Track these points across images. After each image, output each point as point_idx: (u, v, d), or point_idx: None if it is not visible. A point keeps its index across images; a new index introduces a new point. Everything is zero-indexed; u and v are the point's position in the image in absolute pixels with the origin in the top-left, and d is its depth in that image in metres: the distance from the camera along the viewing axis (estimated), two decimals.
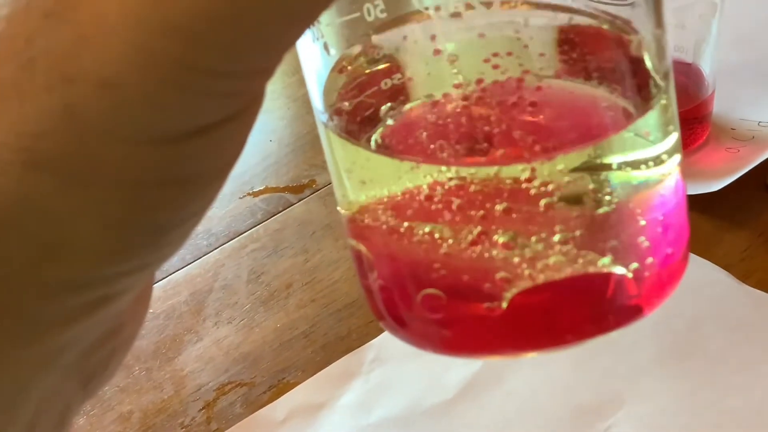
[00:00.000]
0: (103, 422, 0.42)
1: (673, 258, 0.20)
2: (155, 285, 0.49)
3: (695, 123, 0.51)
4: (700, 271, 0.43)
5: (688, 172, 0.52)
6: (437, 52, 0.20)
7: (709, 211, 0.47)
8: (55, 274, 0.13)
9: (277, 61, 0.14)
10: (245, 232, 0.53)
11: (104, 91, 0.12)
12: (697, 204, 0.47)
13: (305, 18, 0.14)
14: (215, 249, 0.52)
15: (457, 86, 0.19)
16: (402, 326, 0.21)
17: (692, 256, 0.44)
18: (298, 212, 0.53)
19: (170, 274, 0.50)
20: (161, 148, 0.13)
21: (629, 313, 0.20)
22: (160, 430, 0.42)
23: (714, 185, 0.47)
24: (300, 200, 0.54)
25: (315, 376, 0.42)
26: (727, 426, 0.37)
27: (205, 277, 0.50)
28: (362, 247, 0.21)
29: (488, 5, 0.19)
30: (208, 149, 0.14)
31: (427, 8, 0.19)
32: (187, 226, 0.15)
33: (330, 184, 0.55)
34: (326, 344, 0.44)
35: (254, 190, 0.56)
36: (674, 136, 0.20)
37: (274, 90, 0.65)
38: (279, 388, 0.43)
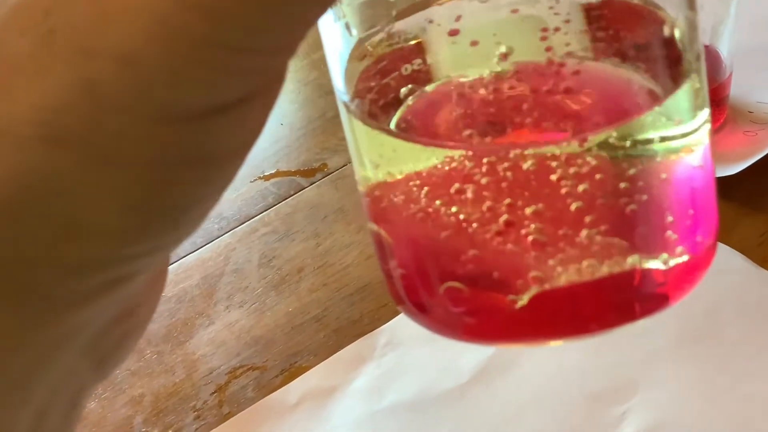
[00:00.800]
0: (114, 405, 0.42)
1: (703, 245, 0.20)
2: None
3: (712, 106, 0.50)
4: (717, 255, 0.43)
5: None
6: (460, 33, 0.20)
7: (726, 195, 0.46)
8: (74, 254, 0.13)
9: (300, 38, 0.14)
10: (256, 216, 0.52)
11: (126, 67, 0.12)
12: None
13: None
14: (226, 233, 0.51)
15: (482, 68, 0.19)
16: (423, 312, 0.20)
17: None
18: (310, 196, 0.53)
19: (181, 258, 0.50)
20: (183, 126, 0.13)
21: (656, 301, 0.20)
22: (172, 413, 0.42)
23: (731, 169, 0.46)
24: (311, 184, 0.54)
25: (327, 360, 0.42)
26: (743, 412, 0.36)
27: (217, 261, 0.50)
28: (383, 232, 0.20)
29: None
30: (229, 127, 0.14)
31: None
32: (206, 206, 0.15)
33: (342, 167, 0.54)
34: (338, 328, 0.44)
35: (265, 174, 0.55)
36: (706, 121, 0.20)
37: None
38: (291, 372, 0.42)
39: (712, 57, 0.50)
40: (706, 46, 0.50)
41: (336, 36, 0.20)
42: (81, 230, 0.13)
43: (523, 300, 0.18)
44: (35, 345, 0.14)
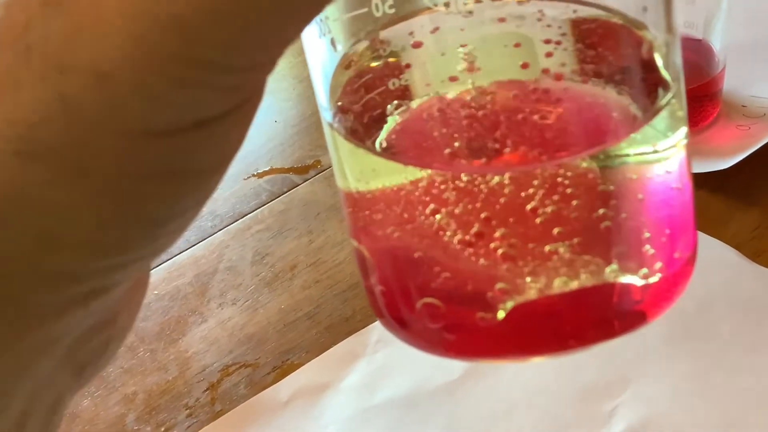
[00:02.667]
0: (107, 403, 0.42)
1: (680, 261, 0.20)
2: (160, 266, 0.49)
3: (705, 100, 0.50)
4: (709, 250, 0.43)
5: (698, 149, 0.51)
6: (443, 49, 0.20)
7: (719, 189, 0.46)
8: (50, 266, 0.13)
9: (278, 55, 0.14)
10: (250, 213, 0.52)
11: (99, 83, 0.12)
12: (707, 182, 0.47)
13: (308, 12, 0.13)
14: (220, 230, 0.51)
15: (462, 87, 0.19)
16: (402, 327, 0.20)
17: (702, 236, 0.43)
18: (303, 193, 0.53)
19: (175, 256, 0.50)
20: (158, 141, 0.13)
21: (634, 318, 0.19)
22: (165, 411, 0.42)
23: (724, 163, 0.46)
24: (305, 181, 0.54)
25: (319, 357, 0.42)
26: (735, 407, 0.36)
27: (210, 258, 0.50)
28: (364, 249, 0.20)
29: None
30: (206, 142, 0.14)
31: (435, 4, 0.18)
32: (185, 218, 0.15)
33: None
34: (330, 325, 0.44)
35: (259, 171, 0.55)
36: (683, 140, 0.20)
37: (280, 71, 0.64)
38: (283, 369, 0.42)
39: (705, 51, 0.50)
40: (699, 41, 0.50)
41: (321, 52, 0.20)
42: (56, 242, 0.13)
43: (500, 317, 0.18)
44: (13, 354, 0.14)
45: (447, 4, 0.18)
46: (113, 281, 0.15)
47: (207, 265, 0.49)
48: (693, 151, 0.55)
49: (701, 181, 0.47)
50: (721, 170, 0.46)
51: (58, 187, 0.13)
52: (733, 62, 0.50)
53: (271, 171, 0.55)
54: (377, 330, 0.42)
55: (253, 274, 0.48)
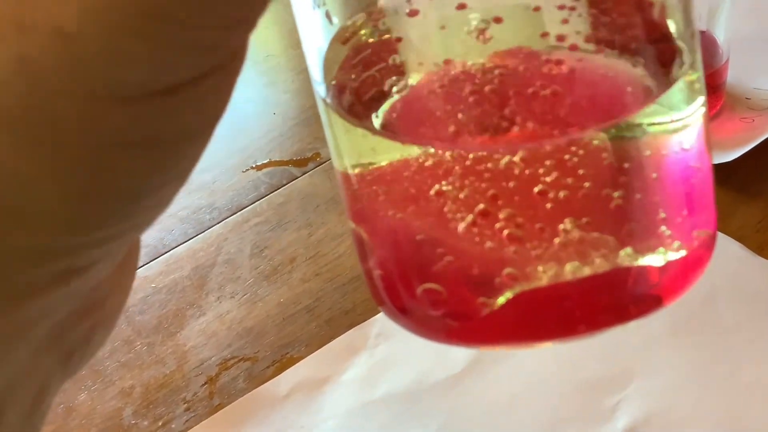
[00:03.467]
0: (104, 397, 0.42)
1: (699, 241, 0.19)
2: (157, 259, 0.49)
3: (709, 92, 0.49)
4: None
5: None
6: (444, 18, 0.19)
7: (723, 182, 0.46)
8: (19, 241, 0.12)
9: (259, 11, 0.13)
10: (248, 206, 0.52)
11: (61, 42, 0.11)
12: None
13: None
14: (218, 223, 0.51)
15: (465, 58, 0.18)
16: (404, 314, 0.19)
17: None
18: (302, 185, 0.52)
19: (172, 249, 0.49)
20: (127, 107, 0.12)
21: (649, 303, 0.19)
22: (162, 405, 0.41)
23: (728, 156, 0.46)
24: (304, 173, 0.53)
25: (319, 350, 0.42)
26: (739, 400, 0.36)
27: (208, 251, 0.49)
28: (362, 231, 0.19)
29: None
30: (181, 109, 0.13)
31: None
32: (166, 191, 0.14)
33: None
34: (330, 319, 0.44)
35: (258, 164, 0.55)
36: (701, 111, 0.19)
37: (279, 63, 0.64)
38: (282, 363, 0.42)
39: (709, 43, 0.49)
40: (703, 32, 0.49)
41: (314, 24, 0.19)
42: (23, 216, 0.12)
43: (504, 301, 0.17)
44: None
45: None
46: (90, 259, 0.14)
47: (205, 258, 0.49)
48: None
49: None
50: (724, 163, 0.45)
51: (20, 156, 0.12)
52: (736, 54, 0.50)
53: (270, 163, 0.54)
54: (377, 323, 0.42)
55: (252, 267, 0.48)
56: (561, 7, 0.18)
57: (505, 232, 0.17)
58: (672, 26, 0.18)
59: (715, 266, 0.43)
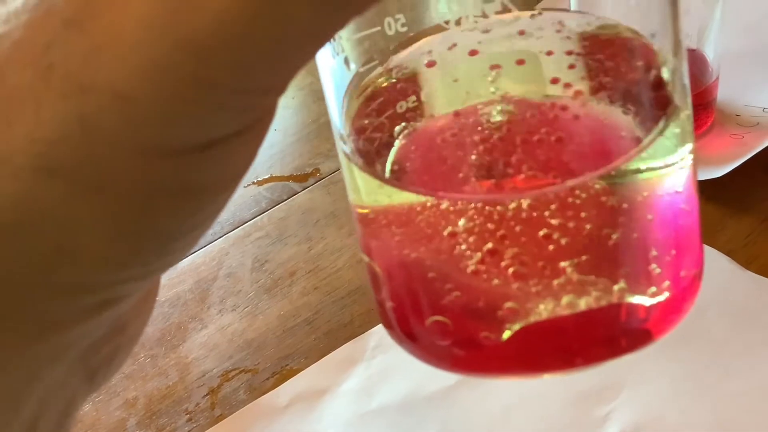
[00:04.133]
0: (108, 408, 0.43)
1: (686, 280, 0.20)
2: None
3: (700, 109, 0.51)
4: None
5: None
6: (452, 69, 0.19)
7: (713, 197, 0.47)
8: (65, 277, 0.14)
9: (290, 78, 0.14)
10: (250, 220, 0.53)
11: (118, 103, 0.13)
12: (701, 190, 0.47)
13: (319, 39, 0.14)
14: (220, 237, 0.52)
15: (474, 105, 0.19)
16: (412, 341, 0.20)
17: None
18: (302, 201, 0.54)
19: None
20: (172, 159, 0.13)
21: (641, 337, 0.20)
22: (165, 416, 0.42)
23: (718, 171, 0.47)
24: (304, 189, 0.54)
25: (318, 362, 0.43)
26: (726, 411, 0.37)
27: (210, 265, 0.50)
28: (376, 266, 0.21)
29: (505, 13, 0.19)
30: (218, 161, 0.14)
31: (447, 22, 0.18)
32: (195, 233, 0.15)
33: (334, 172, 0.55)
34: (329, 331, 0.45)
35: (259, 179, 0.56)
36: (690, 157, 0.20)
37: None
38: (282, 374, 0.43)
39: (699, 61, 0.51)
40: (693, 50, 0.50)
41: (334, 71, 0.20)
42: (72, 255, 0.14)
43: (506, 336, 0.18)
44: (28, 360, 0.15)
45: (458, 22, 0.18)
46: (126, 292, 0.15)
47: (207, 272, 0.50)
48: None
49: None
50: (714, 178, 0.46)
51: (75, 202, 0.13)
52: (726, 72, 0.51)
53: (271, 179, 0.56)
54: (375, 335, 0.43)
55: (253, 280, 0.49)
56: (567, 54, 0.19)
57: (508, 270, 0.18)
58: (665, 76, 0.19)
59: (704, 280, 0.44)
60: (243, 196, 0.55)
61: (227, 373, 0.44)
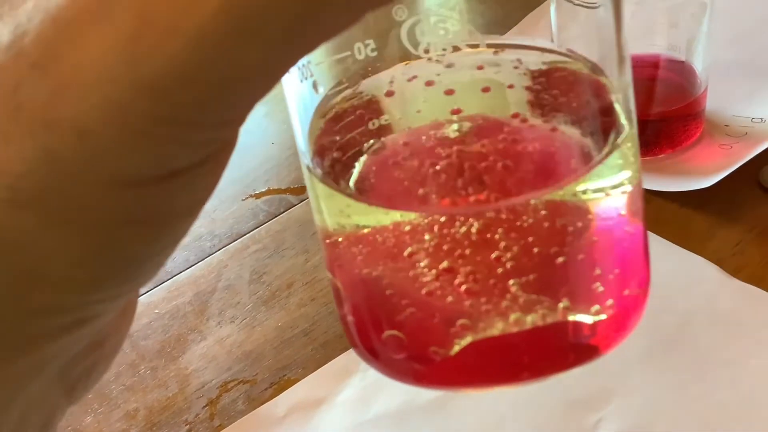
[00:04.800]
0: (109, 420, 0.44)
1: (629, 300, 0.21)
2: (160, 286, 0.51)
3: (689, 120, 0.52)
4: (690, 266, 0.44)
5: (681, 168, 0.53)
6: (414, 95, 0.20)
7: (702, 207, 0.48)
8: (36, 299, 0.15)
9: (248, 111, 0.15)
10: (248, 233, 0.54)
11: (80, 139, 0.13)
12: (690, 200, 0.48)
13: (272, 76, 0.14)
14: (219, 250, 0.53)
15: (431, 130, 0.20)
16: (373, 357, 0.21)
17: (683, 252, 0.45)
18: (299, 213, 0.54)
19: (175, 276, 0.51)
20: (134, 190, 0.14)
21: (586, 352, 0.20)
22: (165, 427, 0.43)
23: (707, 181, 0.48)
24: (301, 201, 0.55)
25: (315, 373, 0.43)
26: (715, 419, 0.37)
27: (209, 278, 0.51)
28: (338, 282, 0.21)
29: (474, 47, 0.20)
30: (179, 191, 0.15)
31: (416, 47, 0.19)
32: (160, 258, 0.16)
33: None
34: (326, 342, 0.45)
35: (256, 192, 0.57)
36: (635, 181, 0.21)
37: (276, 94, 0.66)
38: (280, 384, 0.44)
39: (688, 72, 0.52)
40: (682, 62, 0.51)
41: (302, 94, 0.20)
42: (42, 279, 0.14)
43: (454, 351, 0.19)
44: (7, 378, 0.15)
45: (427, 51, 0.19)
46: (97, 312, 0.16)
47: (206, 285, 0.51)
48: (677, 170, 0.56)
49: (684, 198, 0.48)
50: (704, 188, 0.47)
51: (43, 231, 0.14)
52: (715, 83, 0.52)
53: (268, 192, 0.57)
54: None
55: (251, 292, 0.49)
56: (511, 87, 0.20)
57: (457, 287, 0.19)
58: (611, 103, 0.20)
59: (692, 289, 0.45)
60: (241, 209, 0.56)
61: (226, 384, 0.44)
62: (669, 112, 0.51)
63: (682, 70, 0.52)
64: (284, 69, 0.14)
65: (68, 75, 0.13)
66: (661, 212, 0.48)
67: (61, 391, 0.17)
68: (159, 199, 0.15)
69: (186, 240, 0.55)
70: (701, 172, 0.49)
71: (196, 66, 0.13)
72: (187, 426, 0.43)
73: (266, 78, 0.14)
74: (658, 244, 0.46)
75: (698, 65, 0.51)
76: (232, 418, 0.42)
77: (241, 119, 0.15)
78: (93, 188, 0.14)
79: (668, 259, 0.44)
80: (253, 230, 0.54)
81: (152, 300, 0.50)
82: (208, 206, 0.59)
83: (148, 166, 0.14)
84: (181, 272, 0.52)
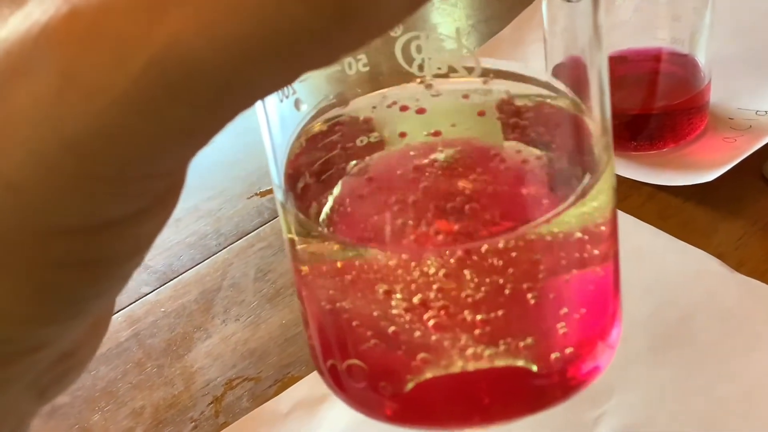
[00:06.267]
0: (116, 417, 0.44)
1: (597, 342, 0.20)
2: (166, 285, 0.51)
3: (693, 113, 0.51)
4: (693, 260, 0.44)
5: (685, 162, 0.53)
6: (390, 125, 0.19)
7: (704, 200, 0.48)
8: None
9: (185, 163, 0.15)
10: (253, 231, 0.54)
11: (9, 191, 0.14)
12: (693, 194, 0.48)
13: (203, 135, 0.14)
14: (224, 248, 0.53)
15: (409, 157, 0.19)
16: (339, 387, 0.21)
17: (686, 246, 0.45)
18: None
19: (180, 274, 0.52)
20: (67, 239, 0.14)
21: (550, 396, 0.20)
22: (171, 424, 0.43)
23: (710, 175, 0.48)
24: None
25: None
26: (716, 414, 0.37)
27: (214, 276, 0.51)
28: (306, 309, 0.21)
29: (470, 69, 0.19)
30: (117, 238, 0.15)
31: (410, 65, 0.18)
32: (109, 295, 0.16)
33: None
34: None
35: (261, 191, 0.57)
36: (612, 220, 0.20)
37: None
38: (284, 382, 0.44)
39: (691, 66, 0.51)
40: (685, 55, 0.51)
41: (281, 114, 0.20)
42: None
43: (411, 385, 0.19)
44: None
45: (421, 67, 0.18)
46: (50, 340, 0.16)
47: (211, 283, 0.51)
48: (680, 163, 0.55)
49: (687, 192, 0.48)
50: (707, 182, 0.47)
51: None
52: (719, 76, 0.51)
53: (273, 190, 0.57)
54: None
55: (256, 290, 0.50)
56: (480, 113, 0.20)
57: (424, 323, 0.18)
58: (593, 141, 0.19)
59: (694, 283, 0.45)
60: (246, 207, 0.56)
61: (231, 382, 0.45)
62: (672, 105, 0.51)
63: (685, 64, 0.51)
64: (217, 127, 0.14)
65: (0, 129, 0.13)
66: (664, 206, 0.48)
67: (31, 397, 0.18)
68: (96, 246, 0.15)
69: (192, 239, 0.55)
70: (704, 166, 0.49)
71: (120, 126, 0.13)
72: (193, 423, 0.43)
73: (199, 134, 0.14)
74: (660, 239, 0.46)
75: (701, 58, 0.51)
76: (237, 416, 0.43)
77: (178, 170, 0.15)
78: (25, 237, 0.14)
79: (670, 253, 0.44)
80: (258, 228, 0.54)
81: (158, 298, 0.51)
82: (214, 205, 0.59)
83: (78, 218, 0.14)
84: (186, 271, 0.52)
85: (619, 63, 0.51)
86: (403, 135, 0.21)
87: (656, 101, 0.51)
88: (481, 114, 0.20)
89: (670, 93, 0.51)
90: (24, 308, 0.15)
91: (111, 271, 0.16)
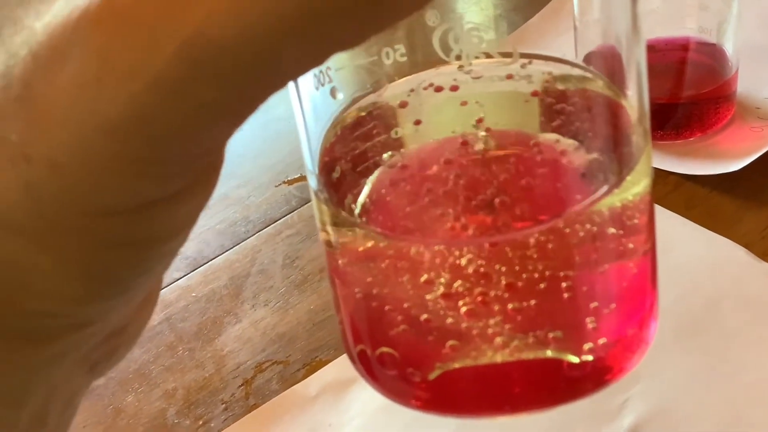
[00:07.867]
0: (149, 398, 0.45)
1: (628, 339, 0.20)
2: (197, 270, 0.52)
3: (720, 102, 0.51)
4: (719, 249, 0.44)
5: (712, 151, 0.53)
6: (434, 108, 0.19)
7: (731, 190, 0.48)
8: (30, 306, 0.16)
9: (222, 142, 0.15)
10: (281, 218, 0.55)
11: (54, 172, 0.14)
12: (720, 183, 0.48)
13: (238, 114, 0.14)
14: (252, 235, 0.54)
15: (447, 146, 0.19)
16: (369, 374, 0.21)
17: (712, 235, 0.45)
18: None
19: (210, 260, 0.53)
20: (113, 219, 0.15)
21: (580, 388, 0.20)
22: (202, 405, 0.45)
23: (737, 164, 0.48)
24: None
25: (345, 354, 0.44)
26: (741, 401, 0.38)
27: (243, 262, 0.52)
28: (339, 297, 0.21)
29: (507, 55, 0.19)
30: (160, 218, 0.15)
31: (448, 55, 0.18)
32: (154, 273, 0.17)
33: None
34: None
35: (289, 179, 0.58)
36: (650, 212, 0.20)
37: None
38: (312, 365, 0.45)
39: (719, 55, 0.51)
40: (713, 45, 0.51)
41: (316, 103, 0.19)
42: (35, 292, 0.15)
43: (436, 374, 0.19)
44: (25, 366, 0.16)
45: (459, 57, 0.18)
46: (98, 318, 0.17)
47: (241, 269, 0.52)
48: (707, 153, 0.56)
49: (714, 182, 0.48)
50: (733, 171, 0.47)
51: (30, 254, 0.15)
52: (746, 65, 0.51)
53: (301, 178, 0.58)
54: None
55: (284, 276, 0.51)
56: (533, 100, 0.20)
57: (450, 315, 0.18)
58: (632, 130, 0.19)
59: (720, 272, 0.45)
60: (274, 195, 0.57)
61: (260, 365, 0.46)
62: (700, 95, 0.51)
63: (713, 53, 0.51)
64: (250, 107, 0.14)
65: (42, 110, 0.14)
66: (691, 196, 0.48)
67: (83, 372, 0.18)
68: (141, 226, 0.15)
69: (221, 226, 0.57)
70: (731, 155, 0.49)
71: (156, 107, 0.13)
72: (224, 405, 0.44)
73: (232, 115, 0.14)
74: (686, 228, 0.46)
75: (729, 48, 0.51)
76: (266, 398, 0.44)
77: (215, 150, 0.15)
78: (73, 217, 0.15)
79: (697, 242, 0.45)
80: (285, 216, 0.55)
81: (189, 284, 0.52)
82: (243, 192, 0.61)
83: (120, 199, 0.15)
84: (216, 257, 0.53)
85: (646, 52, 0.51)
86: (440, 122, 0.21)
87: (683, 90, 0.51)
88: (528, 97, 0.20)
89: (697, 82, 0.51)
90: (72, 287, 0.15)
91: (155, 251, 0.16)
